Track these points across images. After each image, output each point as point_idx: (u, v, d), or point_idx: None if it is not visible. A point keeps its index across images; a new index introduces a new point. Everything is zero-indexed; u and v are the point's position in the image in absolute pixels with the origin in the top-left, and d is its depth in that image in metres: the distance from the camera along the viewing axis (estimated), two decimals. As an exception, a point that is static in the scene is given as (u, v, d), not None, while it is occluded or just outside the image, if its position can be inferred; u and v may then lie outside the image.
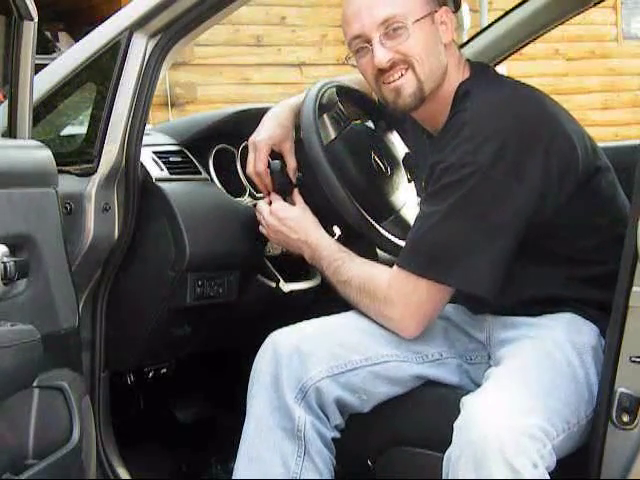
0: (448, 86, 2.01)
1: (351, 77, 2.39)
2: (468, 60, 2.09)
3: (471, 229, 1.88)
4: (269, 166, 2.27)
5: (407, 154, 2.45)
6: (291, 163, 2.26)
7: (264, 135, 2.25)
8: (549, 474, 1.74)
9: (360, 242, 2.39)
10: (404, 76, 1.97)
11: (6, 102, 1.98)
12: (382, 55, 1.96)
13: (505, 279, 1.91)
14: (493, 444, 1.68)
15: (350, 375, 1.95)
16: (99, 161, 2.19)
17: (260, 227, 2.24)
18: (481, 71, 2.06)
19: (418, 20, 1.96)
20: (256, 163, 2.25)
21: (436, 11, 1.99)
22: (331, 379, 1.93)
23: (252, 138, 2.27)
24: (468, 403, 1.77)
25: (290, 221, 2.17)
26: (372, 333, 2.00)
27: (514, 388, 1.79)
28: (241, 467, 1.95)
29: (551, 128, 1.94)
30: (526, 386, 1.80)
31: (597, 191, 2.00)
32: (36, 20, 1.92)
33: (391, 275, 1.97)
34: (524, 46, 2.77)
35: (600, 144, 2.13)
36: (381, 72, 1.98)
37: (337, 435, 1.97)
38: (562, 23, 2.72)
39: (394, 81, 1.98)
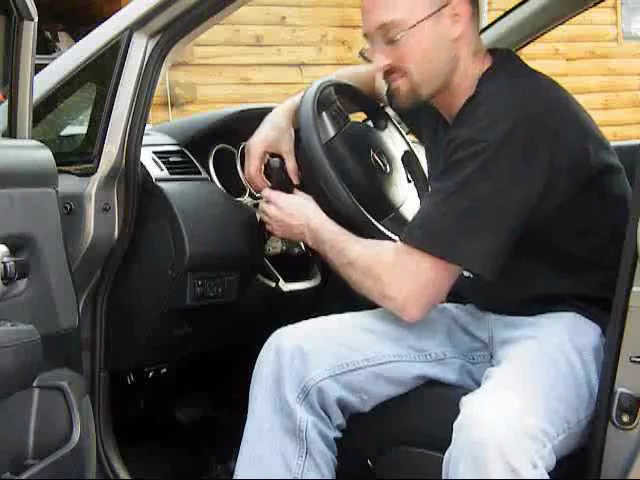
0: (463, 77, 1.99)
1: (348, 72, 2.39)
2: (490, 48, 2.07)
3: (478, 207, 1.87)
4: (268, 164, 2.27)
5: (406, 152, 2.45)
6: (290, 165, 2.26)
7: (256, 139, 2.26)
8: (548, 474, 1.74)
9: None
10: (400, 80, 2.00)
11: (6, 102, 1.98)
12: (379, 60, 1.99)
13: (510, 275, 1.90)
14: (492, 444, 1.68)
15: (352, 375, 1.94)
16: (99, 161, 2.19)
17: (266, 224, 2.22)
18: (503, 60, 2.03)
19: (419, 22, 1.93)
20: (248, 167, 2.26)
21: (446, 5, 1.94)
22: (333, 379, 1.93)
23: (247, 143, 2.29)
24: (467, 403, 1.77)
25: (289, 208, 2.15)
26: (374, 333, 2.00)
27: (514, 388, 1.79)
28: (242, 467, 1.95)
29: (564, 116, 1.94)
30: (525, 386, 1.80)
31: (607, 190, 1.99)
32: (36, 20, 1.92)
33: (395, 251, 1.95)
34: (524, 46, 2.77)
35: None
36: (385, 72, 2.01)
37: (339, 435, 1.96)
38: (562, 23, 2.72)
39: (393, 81, 2.01)
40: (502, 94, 1.92)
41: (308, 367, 1.92)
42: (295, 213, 2.15)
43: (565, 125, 1.92)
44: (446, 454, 1.75)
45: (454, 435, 1.74)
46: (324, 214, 2.13)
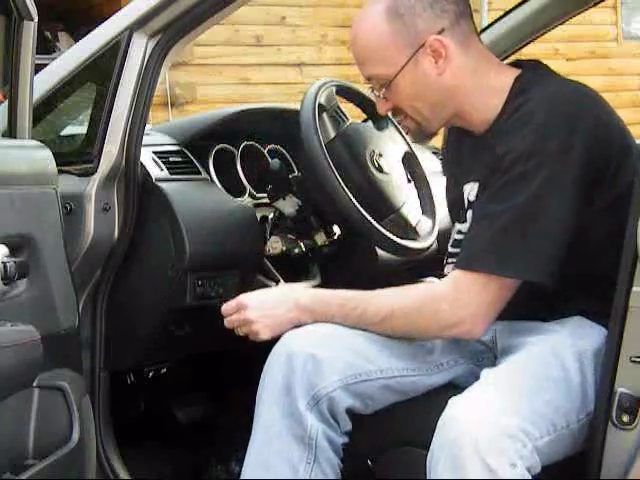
0: (485, 95, 1.97)
1: None
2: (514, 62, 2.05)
3: (548, 222, 1.84)
4: (268, 165, 2.27)
5: (406, 152, 2.46)
6: None
7: None
8: (541, 475, 1.73)
9: (360, 241, 2.40)
10: (406, 121, 2.03)
11: (6, 102, 1.98)
12: (380, 106, 2.03)
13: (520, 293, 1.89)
14: (469, 443, 1.67)
15: (364, 386, 1.92)
16: (99, 161, 2.19)
17: (242, 330, 2.03)
18: (532, 66, 2.02)
19: (399, 72, 1.94)
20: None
21: (421, 47, 1.93)
22: (344, 389, 1.90)
23: None
24: (451, 403, 1.76)
25: (267, 302, 2.03)
26: (387, 343, 1.96)
27: (498, 389, 1.78)
28: (248, 471, 1.90)
29: (611, 124, 1.93)
30: (510, 388, 1.79)
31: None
32: (36, 20, 1.92)
33: (455, 280, 1.90)
34: (524, 46, 2.76)
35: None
36: (392, 113, 2.05)
37: (346, 440, 1.94)
38: (562, 23, 2.72)
39: (402, 121, 2.05)
40: (556, 102, 1.88)
41: (321, 375, 1.88)
42: (277, 303, 2.01)
43: (612, 133, 1.92)
44: (429, 453, 1.74)
45: (435, 434, 1.73)
46: (308, 288, 2.07)
